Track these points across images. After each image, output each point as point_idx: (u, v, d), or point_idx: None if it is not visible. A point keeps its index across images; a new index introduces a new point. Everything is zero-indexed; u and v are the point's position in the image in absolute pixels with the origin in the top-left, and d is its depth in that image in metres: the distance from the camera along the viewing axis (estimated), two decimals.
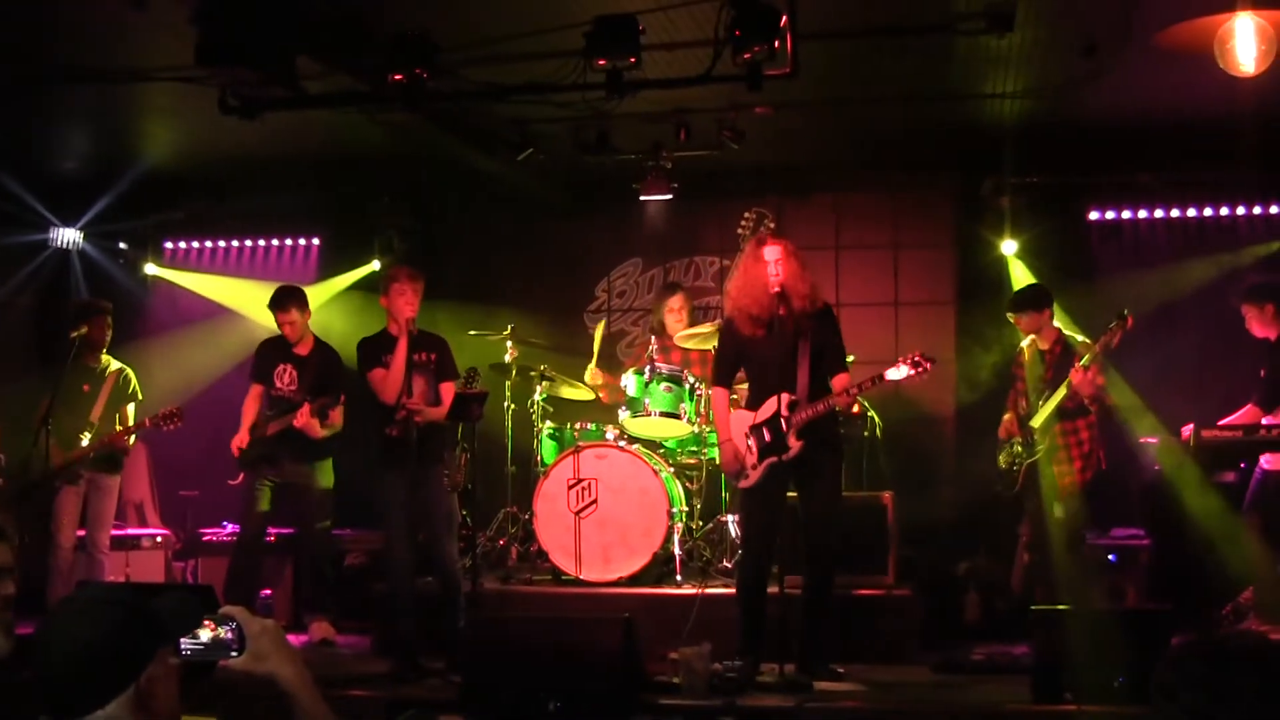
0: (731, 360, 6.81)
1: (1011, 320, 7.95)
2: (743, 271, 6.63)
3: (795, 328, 6.46)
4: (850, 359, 8.32)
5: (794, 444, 6.43)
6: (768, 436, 6.54)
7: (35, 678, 2.31)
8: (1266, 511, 7.57)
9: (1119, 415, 7.77)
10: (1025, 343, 7.88)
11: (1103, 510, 7.91)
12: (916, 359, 6.44)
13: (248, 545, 8.04)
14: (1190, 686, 2.17)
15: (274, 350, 8.10)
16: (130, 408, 8.27)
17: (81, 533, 8.19)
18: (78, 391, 8.06)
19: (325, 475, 8.08)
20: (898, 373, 6.45)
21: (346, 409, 7.93)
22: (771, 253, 6.47)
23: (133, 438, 8.29)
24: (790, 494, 6.71)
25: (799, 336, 6.48)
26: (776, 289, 6.41)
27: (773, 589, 6.53)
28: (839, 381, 6.59)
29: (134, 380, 8.34)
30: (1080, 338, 7.71)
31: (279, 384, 7.98)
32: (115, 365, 8.30)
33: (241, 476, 8.00)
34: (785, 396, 6.42)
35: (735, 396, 7.09)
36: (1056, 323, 7.86)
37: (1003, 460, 7.81)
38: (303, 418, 7.68)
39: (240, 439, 7.95)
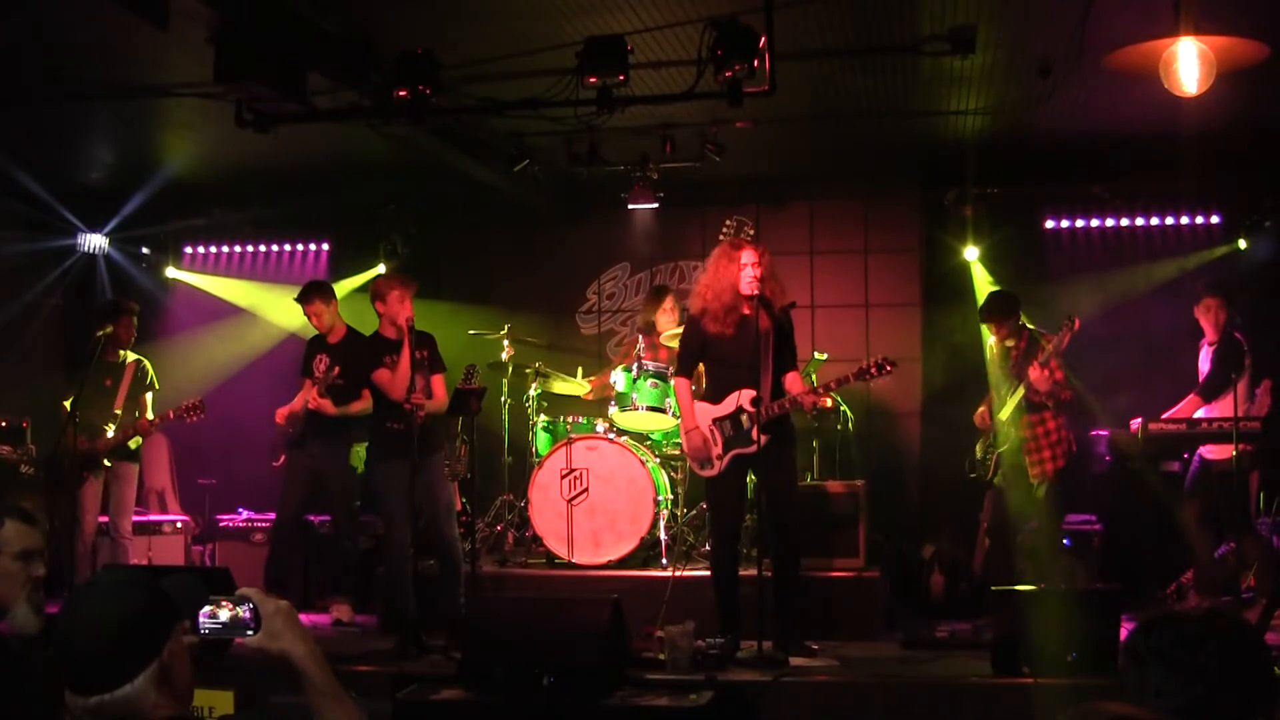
0: (696, 354, 6.75)
1: (985, 328, 7.90)
2: (714, 272, 6.60)
3: (762, 328, 6.46)
4: (824, 356, 8.40)
5: (758, 438, 6.43)
6: (730, 430, 6.56)
7: (61, 655, 2.30)
8: (1205, 497, 7.61)
9: (1077, 410, 7.73)
10: (993, 339, 7.85)
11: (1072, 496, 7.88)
12: (879, 362, 6.51)
13: (285, 527, 8.05)
14: (1159, 654, 2.16)
15: (314, 345, 8.12)
16: (149, 396, 8.24)
17: (104, 519, 8.17)
18: (101, 386, 8.03)
19: (352, 458, 8.08)
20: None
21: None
22: (748, 256, 6.47)
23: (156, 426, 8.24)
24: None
25: (765, 336, 6.47)
26: (753, 291, 6.42)
27: (751, 571, 6.54)
28: (790, 380, 6.60)
29: (150, 369, 8.31)
30: (1043, 332, 7.68)
31: (317, 373, 7.97)
32: (132, 357, 8.27)
33: (283, 458, 8.00)
34: (750, 393, 6.45)
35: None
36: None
37: (979, 449, 7.80)
38: (313, 401, 7.69)
39: (280, 412, 7.93)
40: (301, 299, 8.03)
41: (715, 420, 6.61)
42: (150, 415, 8.18)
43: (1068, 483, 7.51)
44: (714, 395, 6.70)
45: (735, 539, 6.82)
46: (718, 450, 6.59)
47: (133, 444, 8.14)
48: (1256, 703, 2.14)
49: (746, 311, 6.45)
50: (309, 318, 8.04)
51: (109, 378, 8.09)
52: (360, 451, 8.10)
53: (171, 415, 8.05)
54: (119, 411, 8.09)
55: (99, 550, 8.18)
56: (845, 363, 8.47)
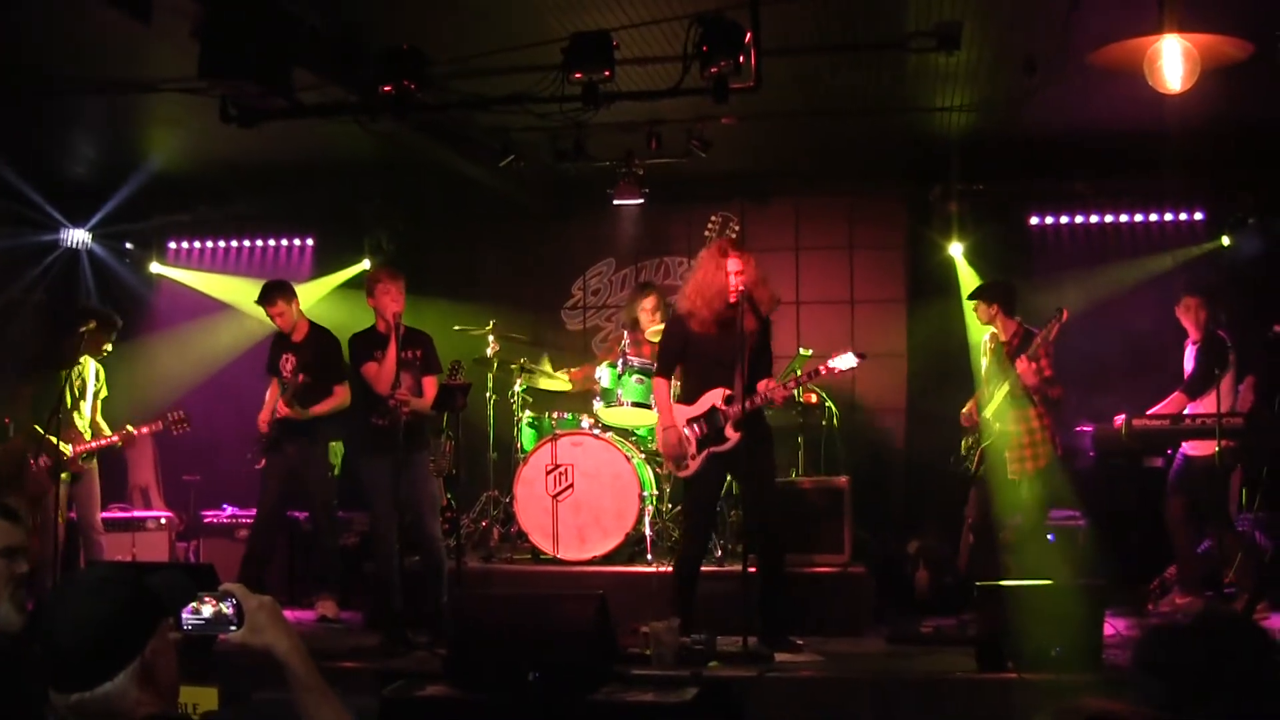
0: (677, 353, 6.81)
1: (974, 314, 7.90)
2: (703, 276, 6.63)
3: (744, 331, 6.48)
4: (809, 352, 8.40)
5: (731, 435, 6.51)
6: (705, 428, 6.60)
7: (44, 653, 2.29)
8: (1188, 493, 7.63)
9: (1062, 406, 7.72)
10: (987, 336, 7.83)
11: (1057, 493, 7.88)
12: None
13: (261, 527, 8.01)
14: (1180, 669, 2.15)
15: (278, 343, 8.06)
16: (99, 401, 8.26)
17: (72, 515, 8.14)
18: (73, 389, 8.03)
19: (329, 457, 8.04)
20: (844, 360, 6.63)
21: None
22: (733, 265, 6.50)
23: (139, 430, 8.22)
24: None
25: (745, 339, 6.50)
26: (736, 297, 6.44)
27: (735, 566, 6.56)
28: (762, 384, 6.63)
29: (103, 376, 8.31)
30: (1034, 330, 7.64)
31: (284, 372, 7.93)
32: (93, 363, 8.25)
33: (263, 461, 7.97)
34: (723, 391, 6.50)
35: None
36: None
37: (964, 444, 7.79)
38: (280, 410, 7.70)
39: (262, 418, 7.89)
40: (264, 300, 7.94)
41: (690, 420, 6.66)
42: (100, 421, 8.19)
43: (1048, 481, 7.51)
44: (689, 395, 6.77)
45: (705, 538, 6.92)
46: (692, 450, 6.64)
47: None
48: (1264, 703, 2.14)
49: (731, 316, 6.48)
50: (272, 318, 7.95)
51: (78, 381, 8.07)
52: (338, 449, 8.09)
53: (159, 425, 8.09)
54: (89, 415, 8.13)
55: (79, 548, 8.15)
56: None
